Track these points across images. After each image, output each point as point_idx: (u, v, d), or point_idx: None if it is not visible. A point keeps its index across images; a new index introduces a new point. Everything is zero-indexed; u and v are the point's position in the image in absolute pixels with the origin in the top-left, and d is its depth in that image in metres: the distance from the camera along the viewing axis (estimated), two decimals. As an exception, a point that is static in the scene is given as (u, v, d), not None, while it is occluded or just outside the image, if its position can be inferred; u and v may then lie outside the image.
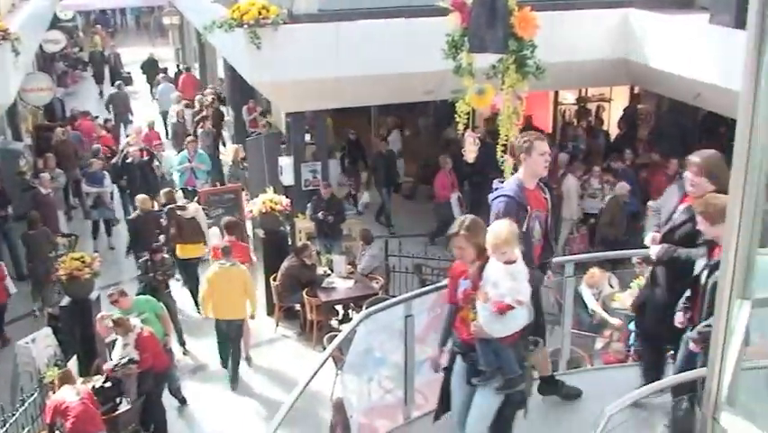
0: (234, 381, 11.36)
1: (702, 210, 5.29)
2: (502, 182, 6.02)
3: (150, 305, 10.41)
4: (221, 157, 19.15)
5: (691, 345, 5.41)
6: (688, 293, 5.58)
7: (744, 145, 2.47)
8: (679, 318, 5.59)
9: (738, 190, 2.50)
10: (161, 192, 14.59)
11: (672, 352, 6.16)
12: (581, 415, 6.48)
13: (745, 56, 2.46)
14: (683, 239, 5.65)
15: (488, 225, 5.41)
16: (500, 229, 5.17)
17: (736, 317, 2.70)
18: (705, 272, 5.38)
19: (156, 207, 14.67)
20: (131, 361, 9.24)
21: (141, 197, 14.01)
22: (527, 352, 5.61)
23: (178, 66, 29.47)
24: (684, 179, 5.81)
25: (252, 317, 11.53)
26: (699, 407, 4.67)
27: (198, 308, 12.58)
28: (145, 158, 16.48)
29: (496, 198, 5.82)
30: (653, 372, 6.17)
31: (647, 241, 5.98)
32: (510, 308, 5.10)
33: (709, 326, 5.22)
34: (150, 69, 28.18)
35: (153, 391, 9.65)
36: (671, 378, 5.79)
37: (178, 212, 13.38)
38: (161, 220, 13.77)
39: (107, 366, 9.42)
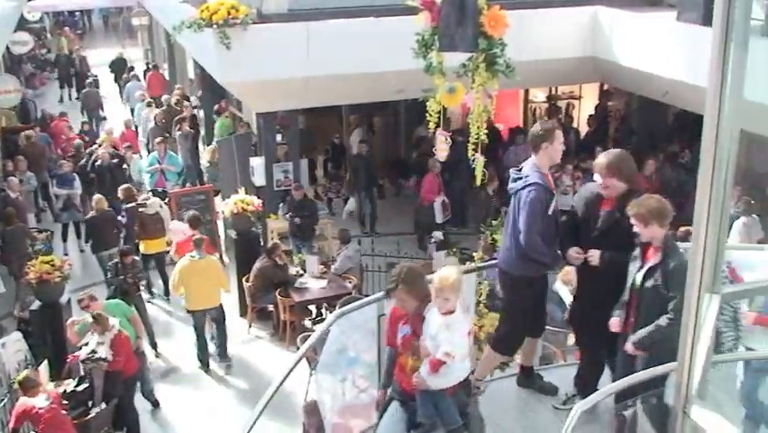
0: (224, 355, 11.88)
1: (635, 212, 5.29)
2: (519, 170, 6.09)
3: (120, 309, 10.34)
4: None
5: (628, 347, 5.41)
6: (625, 297, 5.56)
7: (710, 141, 2.49)
8: (614, 324, 5.56)
9: (706, 186, 2.53)
10: (119, 189, 14.61)
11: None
12: (553, 410, 6.52)
13: (711, 53, 2.48)
14: (618, 241, 5.59)
15: (521, 218, 5.80)
16: (449, 274, 5.16)
17: (704, 311, 2.72)
18: (640, 275, 5.39)
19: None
20: (102, 359, 9.18)
21: (96, 197, 14.11)
22: (469, 399, 5.62)
23: (147, 63, 29.27)
24: (595, 182, 5.80)
25: (228, 291, 11.95)
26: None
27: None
28: (114, 161, 16.35)
29: (524, 187, 5.89)
30: (592, 387, 6.11)
31: (572, 252, 5.87)
32: (442, 363, 5.07)
33: (651, 331, 5.25)
34: (119, 68, 28.12)
35: (125, 395, 9.58)
36: (640, 373, 5.83)
37: (141, 209, 13.58)
38: (119, 219, 13.97)
39: (79, 356, 9.41)
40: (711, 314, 2.78)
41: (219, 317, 11.72)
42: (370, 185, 16.94)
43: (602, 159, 5.71)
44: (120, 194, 14.40)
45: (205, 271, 11.32)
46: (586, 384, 6.19)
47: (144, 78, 26.30)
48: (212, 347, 11.93)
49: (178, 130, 18.94)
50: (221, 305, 11.65)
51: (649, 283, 5.30)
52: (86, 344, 9.47)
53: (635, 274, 5.45)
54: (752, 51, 2.71)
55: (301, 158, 15.80)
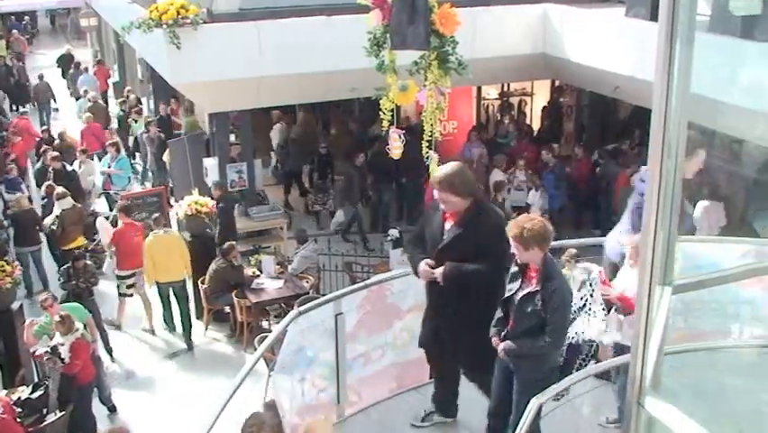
0: (189, 344, 12.27)
1: (516, 234, 5.17)
2: None
3: (78, 313, 10.20)
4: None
5: (500, 352, 5.40)
6: (499, 314, 5.52)
7: (658, 134, 2.53)
8: (496, 343, 5.47)
9: (655, 178, 2.56)
10: (43, 186, 14.73)
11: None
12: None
13: (657, 48, 2.52)
14: (461, 256, 5.47)
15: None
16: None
17: (657, 303, 2.76)
18: (518, 297, 5.32)
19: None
20: (60, 357, 9.06)
21: (16, 195, 14.31)
22: None
23: (95, 57, 29.10)
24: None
25: (188, 270, 12.46)
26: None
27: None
28: (68, 168, 16.11)
29: None
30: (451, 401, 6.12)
31: (422, 265, 5.68)
32: None
33: (527, 346, 5.29)
34: (67, 63, 27.83)
35: (81, 403, 9.45)
36: (599, 365, 5.91)
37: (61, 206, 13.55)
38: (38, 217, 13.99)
39: (38, 350, 9.38)
40: (663, 306, 2.82)
41: (183, 293, 12.37)
42: (363, 196, 16.60)
43: (438, 173, 5.62)
44: (42, 191, 14.67)
45: (170, 245, 12.11)
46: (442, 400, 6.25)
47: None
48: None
49: (146, 133, 18.72)
50: (184, 281, 12.34)
51: (529, 308, 5.25)
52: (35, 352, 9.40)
53: (514, 295, 5.39)
54: (698, 47, 2.76)
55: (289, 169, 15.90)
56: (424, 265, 5.60)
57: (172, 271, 12.19)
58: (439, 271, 5.52)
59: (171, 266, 12.15)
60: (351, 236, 15.84)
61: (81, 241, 13.67)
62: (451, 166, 5.62)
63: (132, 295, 12.71)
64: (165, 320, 12.64)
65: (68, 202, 13.54)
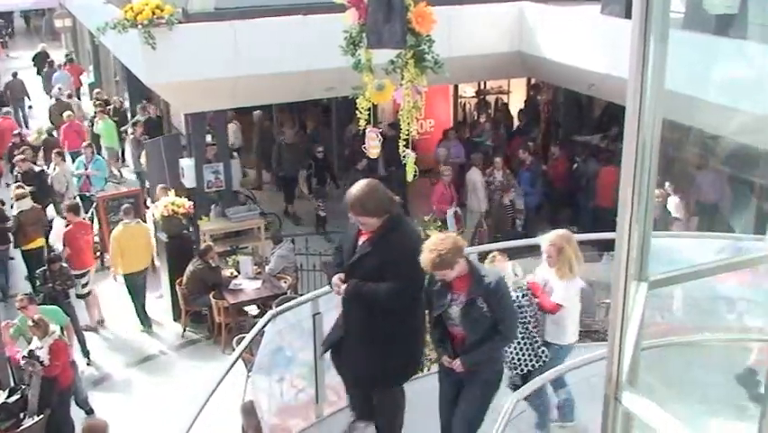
0: (147, 323, 12.75)
1: (435, 263, 5.06)
2: None
3: (57, 317, 10.14)
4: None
5: (456, 365, 5.32)
6: (437, 335, 5.44)
7: (633, 131, 2.54)
8: (450, 364, 5.39)
9: (629, 175, 2.58)
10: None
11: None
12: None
13: (631, 45, 2.53)
14: (368, 274, 5.30)
15: None
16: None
17: (632, 298, 2.77)
18: (457, 310, 5.25)
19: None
20: (39, 360, 8.99)
21: None
22: None
23: (67, 55, 28.78)
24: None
25: (154, 268, 13.15)
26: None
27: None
28: (36, 169, 15.98)
29: None
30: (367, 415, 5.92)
31: (334, 279, 5.50)
32: None
33: (485, 351, 5.25)
34: (41, 62, 27.86)
35: (60, 407, 9.38)
36: (571, 363, 5.94)
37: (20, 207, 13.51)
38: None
39: (18, 355, 9.27)
40: (639, 302, 2.83)
41: (143, 282, 12.81)
42: None
43: (348, 198, 5.27)
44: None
45: (138, 234, 12.61)
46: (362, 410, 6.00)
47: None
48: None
49: (131, 135, 18.57)
50: (146, 270, 12.83)
51: (475, 315, 5.20)
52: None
53: (449, 309, 5.30)
54: (672, 44, 2.78)
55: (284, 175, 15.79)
56: (336, 279, 5.45)
57: (139, 261, 12.59)
58: (344, 287, 5.39)
59: (138, 257, 12.54)
60: None
61: (41, 242, 13.65)
62: (362, 186, 5.29)
63: (89, 294, 12.70)
64: (139, 315, 12.78)
65: (27, 203, 13.50)
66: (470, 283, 5.21)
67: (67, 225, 13.02)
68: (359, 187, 5.27)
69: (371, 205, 5.19)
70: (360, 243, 5.39)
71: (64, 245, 12.63)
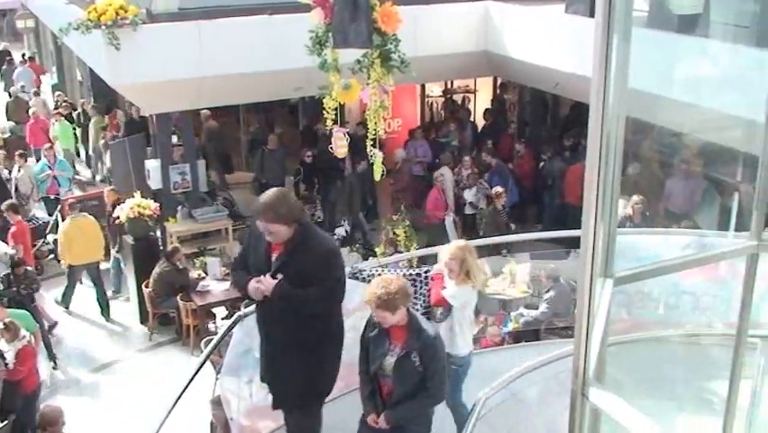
0: (107, 313, 13.07)
1: (378, 303, 4.97)
2: None
3: (27, 322, 10.00)
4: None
5: (381, 422, 5.20)
6: (367, 389, 5.31)
7: (597, 129, 2.56)
8: (374, 421, 5.27)
9: (594, 172, 2.60)
10: None
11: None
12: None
13: (594, 44, 2.55)
14: (292, 281, 5.15)
15: None
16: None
17: (598, 295, 2.79)
18: (392, 362, 5.15)
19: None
20: (5, 363, 8.88)
21: None
22: None
23: (23, 55, 28.59)
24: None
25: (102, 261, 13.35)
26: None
27: None
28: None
29: None
30: None
31: (253, 282, 5.23)
32: None
33: (413, 407, 5.13)
34: (1, 59, 27.83)
35: (25, 412, 9.26)
36: (542, 358, 5.98)
37: None
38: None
39: None
40: (605, 298, 2.86)
41: (97, 273, 13.02)
42: (365, 206, 15.94)
43: (260, 203, 5.10)
44: None
45: (86, 227, 12.83)
46: None
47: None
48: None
49: (103, 138, 18.38)
50: (98, 263, 13.03)
51: (408, 368, 5.07)
52: None
53: (383, 359, 5.19)
54: (636, 42, 2.80)
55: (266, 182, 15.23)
56: (255, 283, 5.17)
57: (90, 254, 12.83)
58: (271, 282, 5.12)
59: (87, 249, 12.79)
60: (355, 246, 14.63)
61: None
62: (273, 194, 5.16)
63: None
64: (66, 299, 13.19)
65: None
66: (408, 335, 5.07)
67: (9, 227, 12.95)
68: (270, 194, 5.13)
69: (284, 210, 5.03)
70: (273, 257, 5.20)
71: (15, 246, 12.46)
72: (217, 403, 6.87)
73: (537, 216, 15.63)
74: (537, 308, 10.64)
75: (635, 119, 3.17)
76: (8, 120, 21.51)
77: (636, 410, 2.61)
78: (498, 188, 13.89)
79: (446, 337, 5.82)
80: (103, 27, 11.05)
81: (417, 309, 6.05)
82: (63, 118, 19.67)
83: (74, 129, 20.04)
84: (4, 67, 26.94)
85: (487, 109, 18.84)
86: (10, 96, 23.14)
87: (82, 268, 12.95)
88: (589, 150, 2.60)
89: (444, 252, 6.18)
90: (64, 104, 21.07)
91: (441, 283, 6.20)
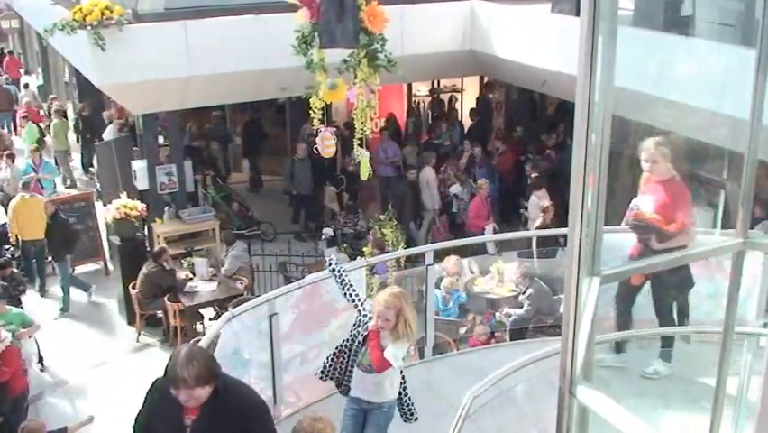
0: (44, 288, 13.90)
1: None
2: None
3: (20, 318, 9.95)
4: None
5: None
6: None
7: (582, 128, 2.57)
8: None
9: (580, 171, 2.60)
10: None
11: None
12: (448, 398, 6.62)
13: (579, 43, 2.56)
14: None
15: None
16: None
17: (585, 293, 2.80)
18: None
19: None
20: None
21: None
22: None
23: (1, 49, 28.85)
24: None
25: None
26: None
27: None
28: None
29: None
30: None
31: None
32: None
33: None
34: None
35: (13, 415, 9.21)
36: (530, 356, 5.98)
37: None
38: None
39: None
40: (592, 296, 2.86)
41: (42, 251, 13.66)
42: (417, 215, 15.24)
43: (189, 369, 4.08)
44: None
45: (33, 207, 13.51)
46: None
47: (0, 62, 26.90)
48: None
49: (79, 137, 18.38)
50: (44, 241, 13.54)
51: None
52: None
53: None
54: (621, 41, 2.81)
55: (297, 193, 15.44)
56: None
57: (34, 230, 13.48)
58: None
59: (34, 226, 13.45)
60: (343, 246, 14.10)
61: None
62: (200, 354, 4.25)
63: None
64: (30, 274, 13.78)
65: None
66: None
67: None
68: (188, 359, 4.10)
69: (216, 368, 4.24)
70: (188, 422, 4.33)
71: None
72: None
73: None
74: (522, 307, 10.66)
75: (620, 117, 3.18)
76: None
77: (624, 408, 2.62)
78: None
79: (371, 389, 5.66)
80: (88, 27, 10.99)
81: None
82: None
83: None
84: None
85: (472, 109, 18.87)
86: None
87: (31, 244, 13.49)
88: (575, 148, 2.61)
89: (379, 301, 5.51)
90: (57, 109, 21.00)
91: (377, 344, 5.51)
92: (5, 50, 28.57)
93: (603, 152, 2.79)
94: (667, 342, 6.67)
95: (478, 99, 19.39)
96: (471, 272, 11.37)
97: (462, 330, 10.37)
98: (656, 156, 6.30)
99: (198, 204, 15.22)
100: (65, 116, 20.58)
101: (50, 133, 19.58)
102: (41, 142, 18.05)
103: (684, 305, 6.85)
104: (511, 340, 10.09)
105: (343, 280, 5.76)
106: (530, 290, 10.58)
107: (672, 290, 6.58)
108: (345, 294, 5.74)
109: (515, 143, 16.62)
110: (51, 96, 22.98)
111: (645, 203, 6.37)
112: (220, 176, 17.18)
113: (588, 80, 2.55)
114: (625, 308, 6.78)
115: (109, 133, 18.13)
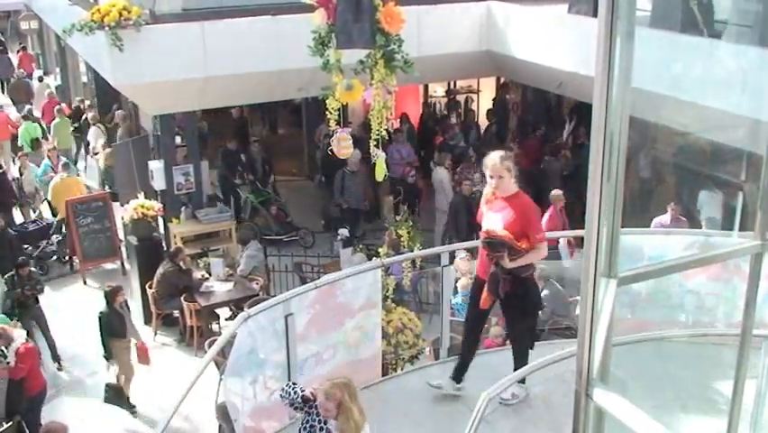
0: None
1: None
2: None
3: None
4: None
5: None
6: None
7: (600, 129, 2.56)
8: None
9: (597, 172, 2.59)
10: None
11: None
12: (464, 399, 6.62)
13: (597, 44, 2.55)
14: None
15: None
16: None
17: (602, 295, 2.79)
18: None
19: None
20: (6, 360, 8.90)
21: None
22: None
23: (21, 46, 29.61)
24: None
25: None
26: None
27: None
28: None
29: None
30: None
31: None
32: None
33: None
34: None
35: (30, 414, 9.27)
36: (546, 358, 5.97)
37: None
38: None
39: None
40: (609, 298, 2.85)
41: None
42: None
43: None
44: None
45: (71, 184, 15.13)
46: None
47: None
48: None
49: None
50: None
51: None
52: None
53: None
54: (638, 42, 2.80)
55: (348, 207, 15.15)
56: None
57: None
58: None
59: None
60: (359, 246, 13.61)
61: None
62: None
63: None
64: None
65: None
66: None
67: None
68: None
69: None
70: None
71: None
72: (224, 410, 6.87)
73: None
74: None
75: (638, 119, 3.17)
76: (11, 100, 24.00)
77: (640, 411, 2.61)
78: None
79: None
80: (106, 28, 11.03)
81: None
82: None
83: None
84: None
85: (489, 110, 18.84)
86: (7, 82, 26.23)
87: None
88: (592, 149, 2.60)
89: (321, 389, 5.34)
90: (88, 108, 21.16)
91: None
92: (20, 46, 29.68)
93: (620, 152, 2.78)
94: (520, 364, 6.52)
95: (494, 100, 19.36)
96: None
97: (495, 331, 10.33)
98: (501, 171, 6.11)
99: (215, 205, 15.24)
100: (77, 117, 20.72)
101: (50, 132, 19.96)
102: (34, 143, 18.41)
103: (534, 326, 6.80)
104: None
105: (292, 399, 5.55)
106: (545, 291, 10.54)
107: (523, 313, 6.49)
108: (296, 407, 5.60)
109: (532, 145, 16.53)
110: (78, 98, 23.14)
111: (493, 221, 6.18)
112: (258, 179, 16.85)
113: (605, 81, 2.54)
114: (471, 331, 6.75)
115: (91, 135, 18.85)
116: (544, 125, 17.46)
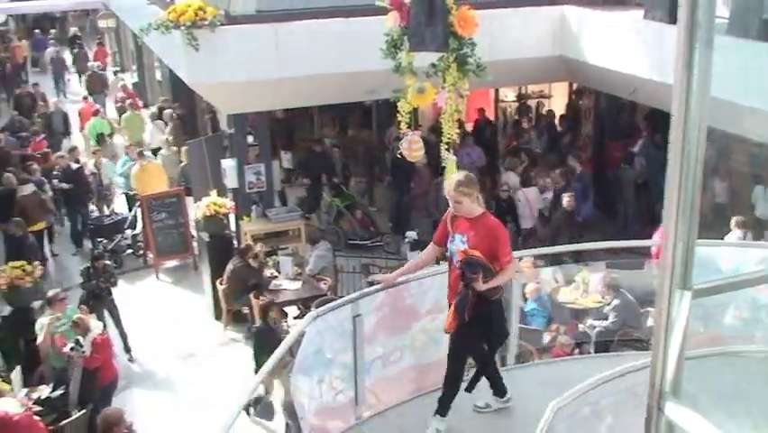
0: None
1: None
2: None
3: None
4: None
5: None
6: None
7: (678, 138, 2.52)
8: None
9: (675, 182, 2.56)
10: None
11: None
12: (529, 409, 6.55)
13: (676, 52, 2.51)
14: None
15: None
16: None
17: (676, 307, 2.75)
18: None
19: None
20: (82, 350, 9.12)
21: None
22: None
23: (98, 38, 32.38)
24: None
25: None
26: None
27: None
28: (74, 166, 16.23)
29: None
30: None
31: None
32: None
33: None
34: (73, 42, 32.80)
35: (103, 402, 9.48)
36: (618, 369, 5.88)
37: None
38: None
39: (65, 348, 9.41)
40: (683, 310, 2.81)
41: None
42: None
43: None
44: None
45: (151, 169, 15.98)
46: None
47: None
48: None
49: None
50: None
51: None
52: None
53: None
54: (717, 50, 2.75)
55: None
56: None
57: (157, 189, 15.54)
58: None
59: (155, 185, 15.62)
60: None
61: (42, 225, 14.79)
62: None
63: None
64: None
65: (29, 188, 14.54)
66: None
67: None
68: None
69: None
70: None
71: None
72: (289, 408, 6.93)
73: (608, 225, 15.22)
74: (607, 318, 10.47)
75: (716, 129, 3.11)
76: (88, 91, 24.96)
77: (713, 426, 2.57)
78: (567, 195, 13.49)
79: None
80: (182, 28, 11.23)
81: None
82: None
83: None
84: (75, 50, 30.68)
85: (562, 115, 18.63)
86: (81, 74, 27.97)
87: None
88: (670, 160, 2.56)
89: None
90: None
91: None
92: (96, 42, 32.05)
93: (698, 162, 2.73)
94: (489, 373, 6.46)
95: (568, 105, 19.14)
96: (556, 281, 11.24)
97: (546, 339, 10.25)
98: (457, 197, 5.96)
99: (286, 203, 15.40)
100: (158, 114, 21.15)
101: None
102: (101, 138, 19.03)
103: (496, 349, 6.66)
104: (595, 352, 9.92)
105: None
106: (616, 301, 10.40)
107: (480, 337, 6.31)
108: None
109: (607, 152, 16.25)
110: (162, 98, 23.48)
111: (458, 243, 6.04)
112: (341, 183, 16.97)
113: (685, 91, 2.50)
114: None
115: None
116: (619, 133, 17.18)
